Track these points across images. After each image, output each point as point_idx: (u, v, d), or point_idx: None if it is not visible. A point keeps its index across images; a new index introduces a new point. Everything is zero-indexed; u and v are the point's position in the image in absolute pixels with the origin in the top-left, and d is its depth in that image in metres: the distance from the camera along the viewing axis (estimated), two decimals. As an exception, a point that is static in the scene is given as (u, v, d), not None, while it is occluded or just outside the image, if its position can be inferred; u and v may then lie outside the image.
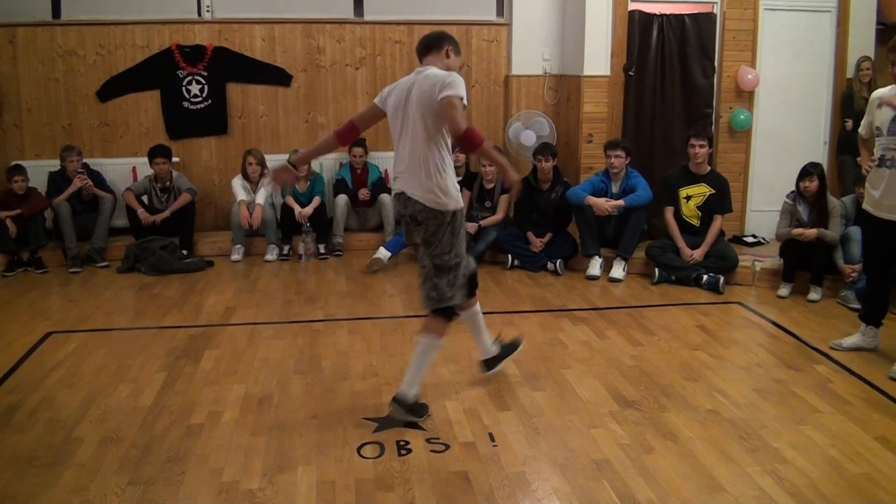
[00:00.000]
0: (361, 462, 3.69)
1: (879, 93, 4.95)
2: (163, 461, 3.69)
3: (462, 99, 3.79)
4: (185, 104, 8.12)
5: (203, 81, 8.09)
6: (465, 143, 3.79)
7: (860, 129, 5.12)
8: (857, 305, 5.95)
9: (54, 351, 5.17)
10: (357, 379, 4.68)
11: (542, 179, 7.30)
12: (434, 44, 4.10)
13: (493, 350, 4.67)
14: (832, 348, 5.19)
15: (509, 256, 7.28)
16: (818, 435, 3.97)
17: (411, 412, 4.05)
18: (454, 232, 4.02)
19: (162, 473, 3.58)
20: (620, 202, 6.96)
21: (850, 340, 5.21)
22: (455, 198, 3.98)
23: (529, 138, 7.89)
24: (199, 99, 8.12)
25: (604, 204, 6.96)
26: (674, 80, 7.70)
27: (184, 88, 8.08)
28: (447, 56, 4.08)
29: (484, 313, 4.96)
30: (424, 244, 4.05)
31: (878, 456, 3.76)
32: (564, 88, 8.22)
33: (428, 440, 3.89)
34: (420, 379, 4.10)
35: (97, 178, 7.63)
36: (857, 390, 4.55)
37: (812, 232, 6.24)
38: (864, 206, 4.99)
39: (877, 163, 4.84)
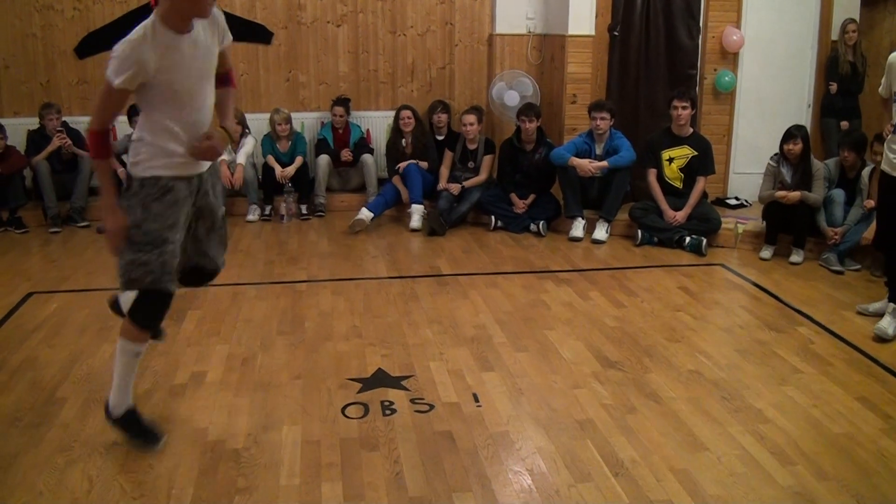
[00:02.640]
0: (346, 422, 3.69)
1: None
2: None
3: (113, 80, 3.09)
4: (165, 62, 7.99)
5: (183, 39, 7.96)
6: (94, 141, 3.20)
7: (880, 90, 5.05)
8: (838, 267, 6.00)
9: (35, 311, 5.13)
10: (340, 340, 4.67)
11: (526, 140, 7.27)
12: None
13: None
14: (859, 312, 5.17)
15: (492, 218, 7.27)
16: (799, 395, 4.01)
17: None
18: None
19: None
20: (604, 163, 6.95)
21: (876, 305, 5.13)
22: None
23: (513, 98, 7.84)
24: (179, 56, 7.99)
25: (587, 165, 6.94)
26: (658, 41, 7.66)
27: (163, 46, 7.95)
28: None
29: (467, 274, 4.95)
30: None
31: (859, 415, 3.81)
32: (548, 48, 8.16)
33: (412, 400, 3.90)
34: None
35: (76, 137, 7.52)
36: (838, 351, 4.59)
37: (795, 194, 6.26)
38: (883, 167, 4.90)
39: (894, 128, 4.74)
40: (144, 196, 3.24)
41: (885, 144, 4.90)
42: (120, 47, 3.11)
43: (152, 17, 3.23)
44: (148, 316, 3.34)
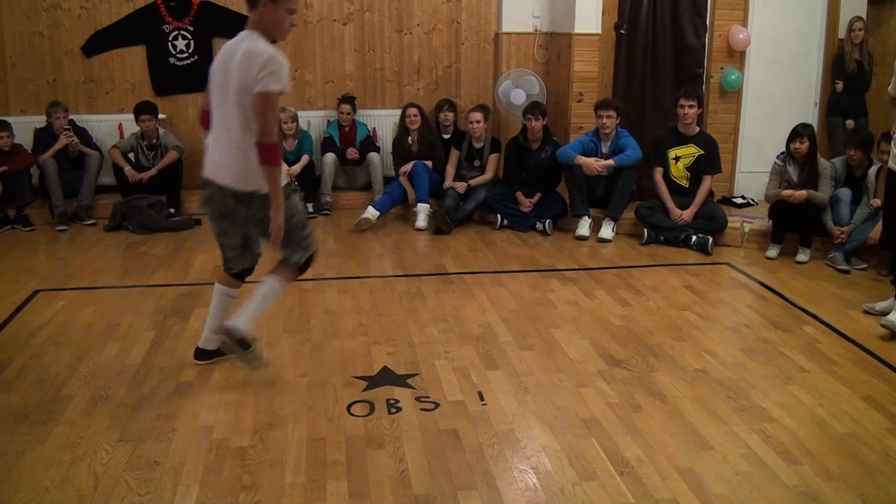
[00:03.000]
0: (352, 420, 3.70)
1: None
2: (153, 418, 3.70)
3: (275, 88, 3.49)
4: (172, 60, 8.01)
5: (189, 36, 7.98)
6: (260, 153, 3.55)
7: (890, 88, 5.03)
8: (844, 266, 5.99)
9: (42, 309, 5.15)
10: (346, 338, 4.68)
11: (532, 139, 7.26)
12: (249, 5, 3.70)
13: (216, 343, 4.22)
14: (865, 311, 5.17)
15: (498, 216, 7.27)
16: (805, 394, 4.00)
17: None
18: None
19: (152, 431, 3.58)
20: (610, 162, 6.94)
21: (883, 304, 5.14)
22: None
23: (519, 97, 7.83)
24: (186, 55, 8.02)
25: (593, 164, 6.94)
26: (665, 39, 7.64)
27: (169, 44, 7.97)
28: (262, 20, 3.65)
29: (473, 273, 4.96)
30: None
31: (865, 415, 3.80)
32: (555, 47, 8.15)
33: (418, 398, 3.91)
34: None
35: (83, 135, 7.55)
36: (844, 350, 4.58)
37: (801, 193, 6.24)
38: (891, 164, 4.89)
39: None
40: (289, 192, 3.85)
41: (892, 143, 4.90)
42: (271, 60, 3.50)
43: (257, 33, 3.67)
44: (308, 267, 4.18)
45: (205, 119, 3.89)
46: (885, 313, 4.97)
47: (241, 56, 3.57)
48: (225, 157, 3.72)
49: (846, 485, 3.22)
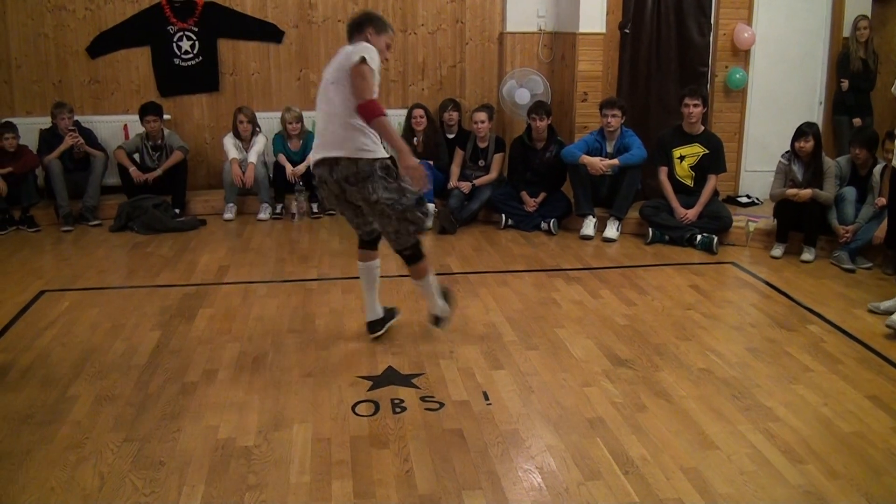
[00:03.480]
0: (356, 420, 3.70)
1: None
2: (158, 419, 3.70)
3: (370, 66, 3.99)
4: (176, 61, 8.03)
5: (194, 37, 8.00)
6: (362, 111, 3.97)
7: (893, 89, 5.03)
8: (850, 266, 5.98)
9: (47, 309, 5.16)
10: (351, 338, 4.68)
11: (537, 138, 7.26)
12: (356, 29, 4.27)
13: (380, 312, 4.70)
14: (870, 310, 5.16)
15: (503, 216, 7.27)
16: (810, 394, 4.00)
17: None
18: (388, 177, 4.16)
19: (157, 431, 3.59)
20: (615, 161, 6.94)
21: (887, 304, 5.13)
22: (379, 150, 4.14)
23: (524, 97, 7.83)
24: (190, 55, 8.04)
25: (598, 163, 6.93)
26: (670, 38, 7.64)
27: (174, 45, 7.99)
28: (367, 39, 4.20)
29: (478, 272, 4.96)
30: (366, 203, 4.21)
31: (870, 414, 3.80)
32: (559, 46, 8.15)
33: (422, 398, 3.91)
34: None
35: (88, 136, 7.56)
36: (849, 350, 4.58)
37: (806, 192, 6.24)
38: (895, 164, 4.88)
39: None
40: (394, 169, 4.16)
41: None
42: (364, 47, 4.08)
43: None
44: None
45: None
46: (889, 312, 4.97)
47: (343, 55, 4.11)
48: (331, 135, 4.13)
49: (851, 484, 3.21)
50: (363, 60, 3.95)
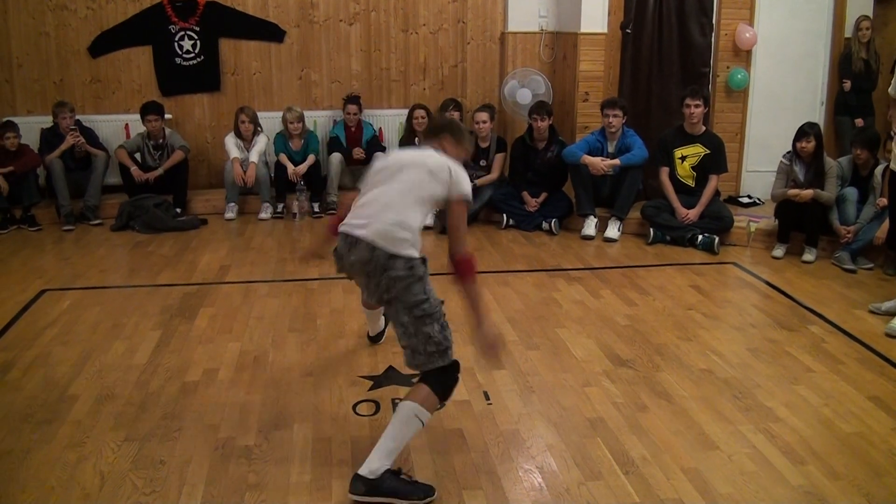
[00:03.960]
0: (357, 419, 3.70)
1: None
2: (158, 418, 3.70)
3: (468, 202, 3.40)
4: (178, 60, 8.02)
5: (195, 37, 8.00)
6: (460, 266, 3.34)
7: (890, 89, 5.03)
8: (851, 266, 5.97)
9: (48, 308, 5.16)
10: (352, 337, 4.68)
11: (538, 138, 7.26)
12: (432, 133, 3.69)
13: (382, 325, 4.52)
14: (871, 311, 5.16)
15: (504, 216, 7.26)
16: (811, 394, 3.99)
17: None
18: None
19: (158, 430, 3.59)
20: (616, 161, 6.93)
21: (889, 305, 5.13)
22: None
23: (525, 97, 7.83)
24: (192, 55, 8.03)
25: (599, 163, 6.92)
26: (671, 38, 7.63)
27: (176, 44, 7.98)
28: (443, 148, 3.57)
29: (479, 272, 4.91)
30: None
31: (871, 415, 3.79)
32: (561, 46, 8.14)
33: (423, 398, 3.90)
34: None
35: (90, 136, 7.56)
36: (850, 350, 4.57)
37: (808, 192, 6.23)
38: (893, 166, 4.89)
39: None
40: (426, 271, 3.32)
41: (894, 143, 4.89)
42: (459, 169, 3.40)
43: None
44: (453, 384, 3.33)
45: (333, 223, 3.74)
46: (891, 313, 4.98)
47: (432, 157, 3.43)
48: (380, 223, 3.30)
49: (852, 485, 3.21)
50: (467, 200, 3.37)
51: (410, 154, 3.54)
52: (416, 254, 3.25)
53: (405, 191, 3.31)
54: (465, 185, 3.37)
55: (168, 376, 4.15)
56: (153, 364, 4.30)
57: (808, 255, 6.26)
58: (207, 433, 3.56)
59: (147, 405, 3.83)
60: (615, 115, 6.95)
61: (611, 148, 7.07)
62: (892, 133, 4.98)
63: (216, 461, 3.34)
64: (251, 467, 3.29)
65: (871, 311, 5.13)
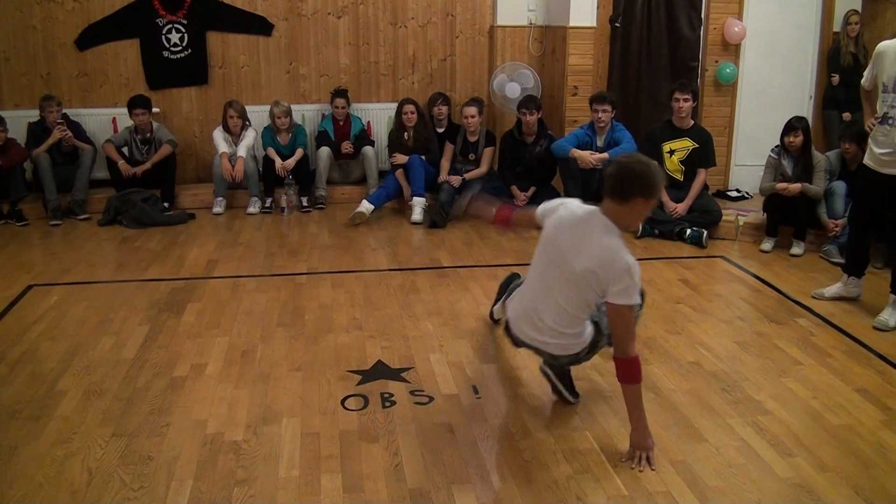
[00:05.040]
0: (346, 414, 3.70)
1: (886, 45, 4.80)
2: (146, 413, 3.69)
3: (633, 308, 3.30)
4: (165, 53, 7.98)
5: (183, 30, 7.96)
6: (622, 368, 3.31)
7: (863, 81, 5.05)
8: (839, 259, 5.98)
9: (36, 304, 5.14)
10: (341, 332, 4.67)
11: (527, 132, 7.26)
12: (620, 191, 3.25)
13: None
14: (814, 297, 5.25)
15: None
16: (799, 387, 4.01)
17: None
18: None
19: (146, 425, 3.58)
20: (605, 155, 6.92)
21: (831, 290, 5.27)
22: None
23: (514, 91, 7.83)
24: (179, 48, 7.99)
25: (588, 157, 6.92)
26: (660, 32, 7.65)
27: (163, 37, 7.94)
28: (629, 210, 3.29)
29: (468, 266, 4.90)
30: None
31: (859, 407, 3.81)
32: (550, 40, 8.14)
33: (412, 392, 3.91)
34: None
35: (77, 129, 7.52)
36: (838, 343, 4.59)
37: (796, 186, 6.25)
38: (866, 161, 4.94)
39: (880, 120, 4.77)
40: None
41: (868, 138, 4.92)
42: (631, 271, 3.25)
43: (611, 222, 3.36)
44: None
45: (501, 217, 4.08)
46: (835, 297, 5.21)
47: (597, 249, 3.30)
48: (539, 334, 3.57)
49: (840, 477, 3.23)
50: (630, 307, 3.25)
51: (573, 230, 3.40)
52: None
53: (570, 301, 3.44)
54: (630, 296, 3.24)
55: (156, 371, 4.13)
56: (141, 359, 4.29)
57: (797, 249, 6.28)
58: (195, 428, 3.55)
59: (135, 400, 3.81)
60: (604, 111, 6.95)
61: (600, 142, 7.07)
62: (868, 127, 5.00)
63: (204, 456, 3.33)
64: (239, 462, 3.28)
65: (815, 297, 5.25)
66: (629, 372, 3.28)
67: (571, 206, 3.51)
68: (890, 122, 4.68)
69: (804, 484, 3.17)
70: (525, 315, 3.63)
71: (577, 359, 3.68)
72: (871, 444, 3.48)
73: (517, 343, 3.76)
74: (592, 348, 3.65)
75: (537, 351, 3.70)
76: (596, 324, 3.61)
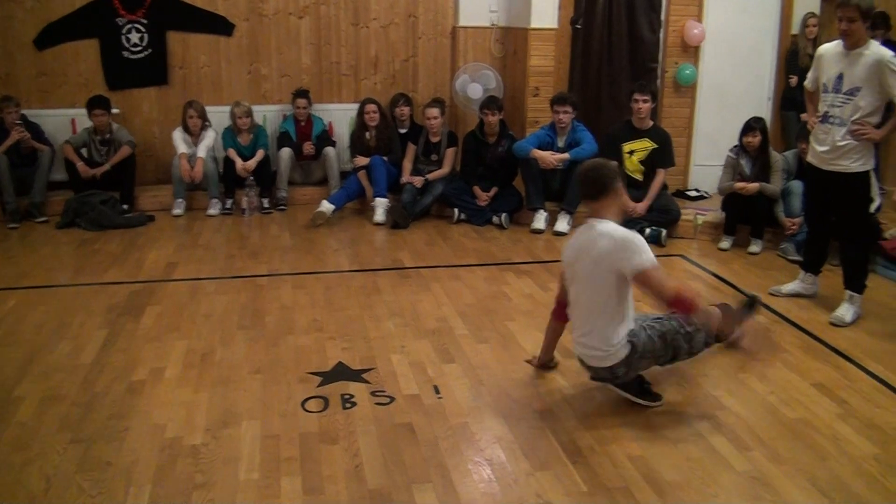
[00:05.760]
0: (306, 416, 3.69)
1: (825, 48, 4.98)
2: (105, 418, 3.65)
3: (655, 266, 3.52)
4: (125, 53, 7.90)
5: (143, 30, 7.88)
6: (679, 310, 3.56)
7: (806, 83, 5.19)
8: (796, 257, 6.07)
9: (-9, 308, 5.07)
10: (301, 334, 4.66)
11: (489, 133, 7.28)
12: (595, 190, 3.70)
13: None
14: (771, 294, 5.33)
15: (455, 210, 7.27)
16: (756, 382, 4.06)
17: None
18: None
19: (104, 431, 3.54)
20: (566, 155, 6.96)
21: (788, 287, 5.36)
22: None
23: (476, 91, 7.85)
24: (139, 48, 7.91)
25: (549, 157, 6.96)
26: (620, 34, 7.69)
27: (123, 37, 7.85)
28: (612, 203, 3.71)
29: (430, 267, 4.89)
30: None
31: (815, 401, 3.87)
32: (511, 41, 8.17)
33: (373, 393, 3.90)
34: None
35: (35, 131, 7.41)
36: (795, 339, 4.66)
37: (754, 186, 6.33)
38: (809, 159, 5.07)
39: (821, 118, 4.90)
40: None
41: (810, 137, 5.05)
42: (627, 239, 3.55)
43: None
44: None
45: (558, 311, 4.03)
46: (792, 294, 5.31)
47: (598, 238, 3.63)
48: (588, 342, 3.74)
49: (796, 469, 3.28)
50: (652, 266, 3.50)
51: (579, 248, 3.73)
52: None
53: (602, 301, 3.67)
54: (642, 259, 3.49)
55: (114, 376, 4.09)
56: (99, 364, 4.24)
57: (754, 247, 6.37)
58: (154, 433, 3.52)
59: (93, 406, 3.77)
60: (565, 112, 6.99)
61: (561, 142, 7.11)
62: (810, 126, 5.13)
63: (163, 461, 3.30)
64: (198, 467, 3.26)
65: (772, 294, 5.35)
66: (685, 307, 3.49)
67: (569, 240, 3.94)
68: (830, 120, 4.81)
69: (761, 477, 3.22)
70: (574, 337, 3.86)
71: (615, 375, 3.73)
72: (827, 437, 3.54)
73: (588, 369, 3.88)
74: (628, 366, 3.70)
75: (588, 369, 3.86)
76: (633, 344, 3.66)
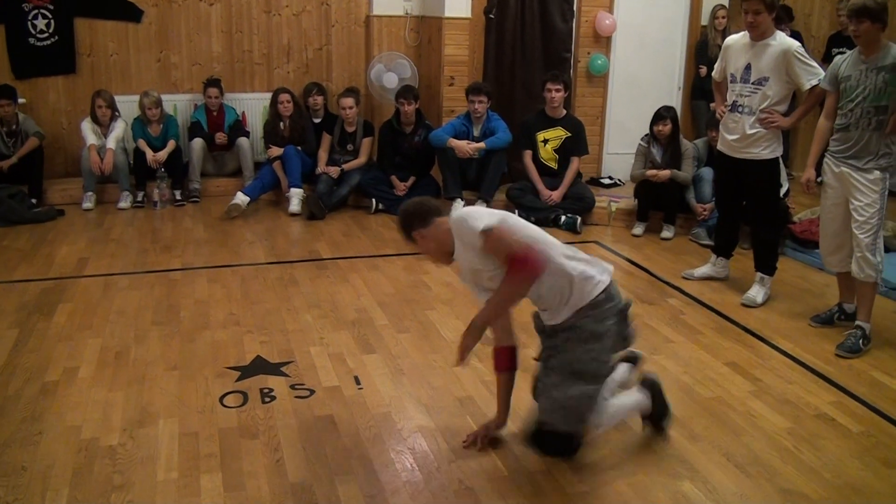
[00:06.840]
0: (224, 411, 3.64)
1: (732, 39, 5.12)
2: (18, 421, 3.54)
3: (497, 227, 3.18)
4: (31, 40, 7.61)
5: (49, 15, 7.60)
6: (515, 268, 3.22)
7: (714, 73, 5.34)
8: (708, 242, 6.25)
9: None
10: (218, 328, 4.59)
11: (405, 122, 7.28)
12: (415, 223, 3.32)
13: None
14: (684, 278, 5.49)
15: (373, 200, 7.26)
16: (671, 363, 4.18)
17: None
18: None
19: (18, 434, 3.44)
20: (481, 145, 7.01)
21: (700, 270, 5.52)
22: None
23: (392, 81, 7.83)
24: (46, 34, 7.64)
25: (466, 146, 7.00)
26: (533, 24, 7.76)
27: (29, 23, 7.57)
28: (435, 227, 3.31)
29: (348, 258, 4.85)
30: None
31: (728, 380, 4.01)
32: (426, 30, 8.17)
33: (292, 386, 3.88)
34: None
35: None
36: (707, 320, 4.80)
37: (665, 173, 6.47)
38: (719, 147, 5.22)
39: (730, 108, 5.04)
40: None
41: (720, 126, 5.20)
42: (466, 212, 3.29)
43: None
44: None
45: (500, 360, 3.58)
46: (705, 277, 5.47)
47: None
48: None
49: (712, 445, 3.41)
50: (486, 229, 3.12)
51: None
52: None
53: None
54: (477, 224, 3.14)
55: (27, 377, 3.97)
56: (11, 365, 4.10)
57: (667, 233, 6.53)
58: (70, 435, 3.44)
59: (6, 409, 3.65)
60: (480, 101, 7.03)
61: (476, 132, 7.15)
62: (718, 115, 5.29)
63: (80, 463, 3.22)
64: (116, 468, 3.20)
65: (685, 278, 5.52)
66: (522, 266, 3.20)
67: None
68: (739, 109, 4.96)
69: (677, 454, 3.33)
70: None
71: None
72: (741, 414, 3.68)
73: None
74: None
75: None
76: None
